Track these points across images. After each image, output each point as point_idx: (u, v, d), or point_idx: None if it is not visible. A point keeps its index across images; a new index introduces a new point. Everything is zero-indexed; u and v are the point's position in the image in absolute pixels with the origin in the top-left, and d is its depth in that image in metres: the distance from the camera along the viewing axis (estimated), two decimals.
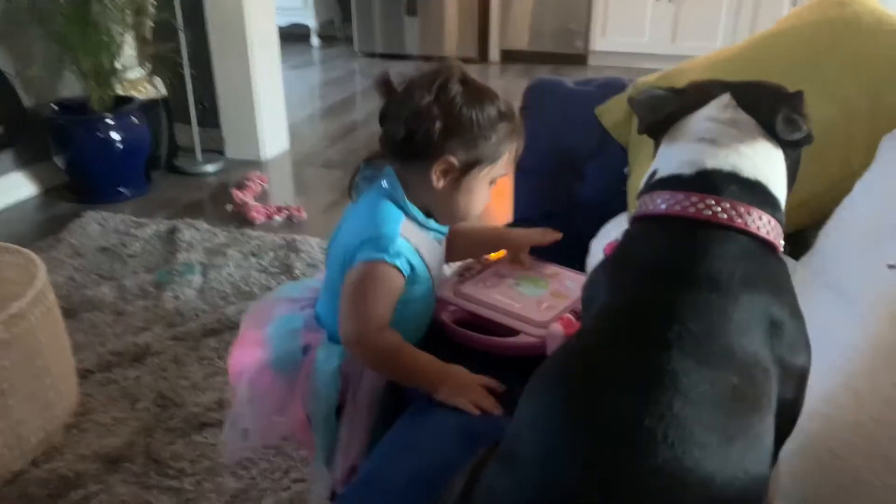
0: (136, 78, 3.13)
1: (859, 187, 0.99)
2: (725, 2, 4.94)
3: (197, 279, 2.28)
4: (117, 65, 2.91)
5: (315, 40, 6.17)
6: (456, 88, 1.01)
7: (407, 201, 1.05)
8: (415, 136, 1.01)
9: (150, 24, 3.11)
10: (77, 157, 2.87)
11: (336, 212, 2.89)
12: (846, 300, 0.84)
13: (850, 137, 1.06)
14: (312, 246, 2.48)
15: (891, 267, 0.85)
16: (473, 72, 1.09)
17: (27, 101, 2.80)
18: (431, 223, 1.09)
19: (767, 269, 0.66)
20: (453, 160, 1.02)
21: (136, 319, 2.07)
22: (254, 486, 1.49)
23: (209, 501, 1.46)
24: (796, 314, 0.66)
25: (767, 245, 0.67)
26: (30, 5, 2.71)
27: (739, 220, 0.66)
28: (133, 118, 2.92)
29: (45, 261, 2.33)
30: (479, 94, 1.02)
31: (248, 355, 1.13)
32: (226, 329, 2.01)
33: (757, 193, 0.68)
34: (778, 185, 0.71)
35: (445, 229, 1.14)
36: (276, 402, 1.12)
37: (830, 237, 0.96)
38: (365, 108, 4.51)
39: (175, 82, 3.19)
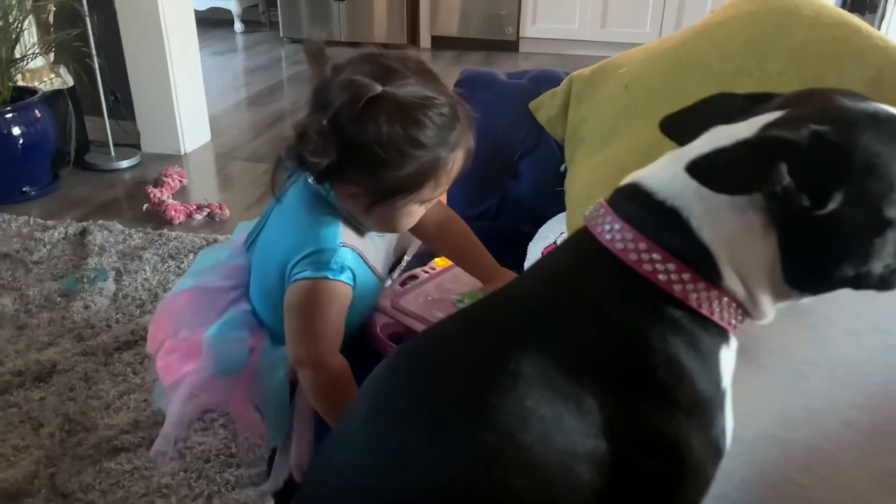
0: (38, 67, 2.90)
1: None
2: None
3: (109, 286, 2.11)
4: (16, 53, 2.69)
5: (238, 25, 5.92)
6: (356, 115, 0.83)
7: (338, 202, 0.94)
8: (304, 160, 0.85)
9: (51, 8, 2.88)
10: None
11: (261, 209, 2.74)
12: (798, 310, 0.80)
13: None
14: None
15: None
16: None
17: None
18: None
19: None
20: (358, 190, 0.89)
21: (41, 333, 1.90)
22: None
23: None
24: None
25: None
26: None
27: None
28: (35, 111, 2.70)
29: None
30: (395, 114, 0.84)
31: (182, 363, 1.03)
32: (141, 340, 1.87)
33: None
34: None
35: None
36: (217, 401, 1.08)
37: None
38: (292, 96, 4.35)
39: (82, 71, 2.97)
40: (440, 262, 1.23)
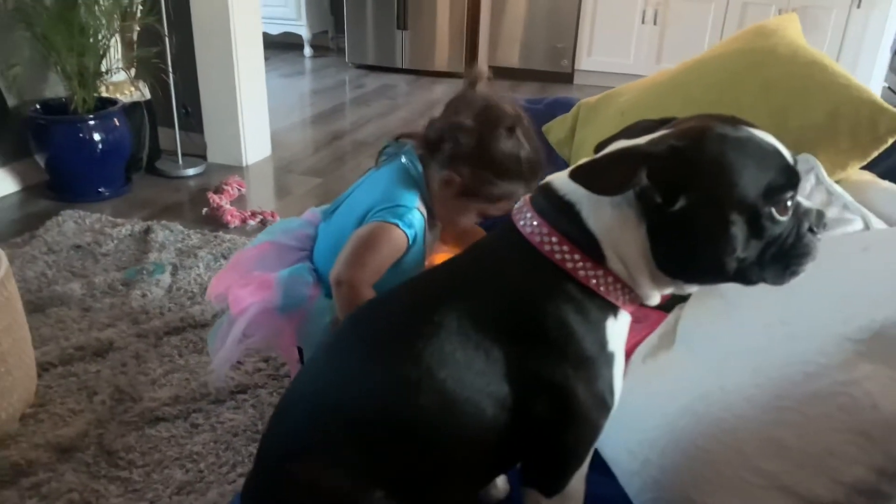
0: (120, 80, 3.19)
1: None
2: (709, 25, 5.04)
3: (166, 279, 2.33)
4: (102, 67, 2.98)
5: (308, 50, 6.25)
6: (500, 133, 1.10)
7: (423, 181, 1.17)
8: (442, 144, 1.13)
9: (136, 28, 3.18)
10: (57, 156, 2.93)
11: None
12: (730, 306, 0.90)
13: None
14: None
15: None
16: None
17: (10, 100, 2.85)
18: None
19: None
20: (457, 180, 1.13)
21: (102, 316, 2.12)
22: (200, 478, 1.54)
23: (156, 492, 1.50)
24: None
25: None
26: (16, 6, 2.77)
27: None
28: (115, 120, 2.97)
29: (19, 256, 2.39)
30: (515, 146, 1.12)
31: (253, 295, 1.23)
32: (188, 328, 2.06)
33: None
34: None
35: None
36: (272, 333, 1.25)
37: None
38: (352, 117, 4.58)
39: (159, 86, 3.26)
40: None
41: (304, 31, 6.18)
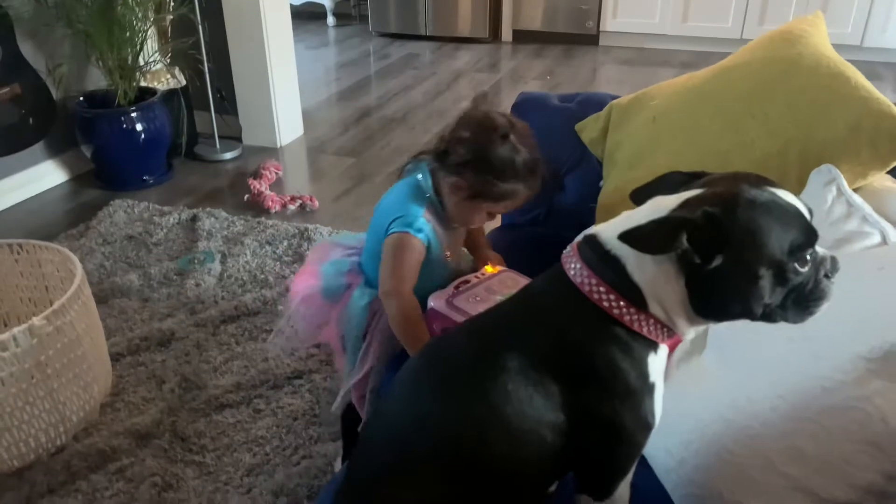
0: (157, 70, 3.29)
1: None
2: None
3: (216, 267, 2.46)
4: (140, 60, 3.07)
5: (331, 19, 6.27)
6: (495, 140, 1.27)
7: (433, 193, 1.36)
8: (447, 154, 1.31)
9: (170, 18, 3.26)
10: (103, 148, 3.06)
11: (347, 201, 3.05)
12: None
13: (784, 172, 1.19)
14: (323, 235, 2.64)
15: None
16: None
17: (56, 94, 2.97)
18: None
19: None
20: (464, 184, 1.30)
21: (161, 306, 2.26)
22: (267, 461, 1.68)
23: (228, 474, 1.65)
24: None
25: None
26: (57, 5, 2.86)
27: None
28: (155, 110, 3.09)
29: (78, 249, 2.54)
30: (510, 150, 1.27)
31: (305, 282, 1.50)
32: (242, 316, 2.20)
33: None
34: None
35: None
36: (319, 319, 1.49)
37: None
38: (378, 91, 4.64)
39: (193, 72, 3.35)
40: (489, 269, 1.46)
41: (326, 0, 6.19)
